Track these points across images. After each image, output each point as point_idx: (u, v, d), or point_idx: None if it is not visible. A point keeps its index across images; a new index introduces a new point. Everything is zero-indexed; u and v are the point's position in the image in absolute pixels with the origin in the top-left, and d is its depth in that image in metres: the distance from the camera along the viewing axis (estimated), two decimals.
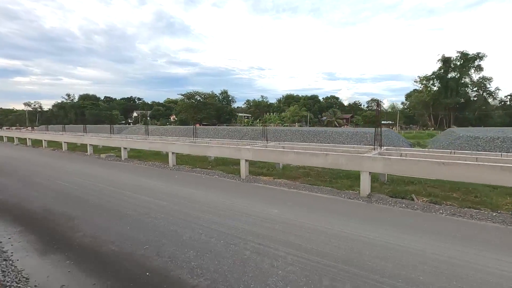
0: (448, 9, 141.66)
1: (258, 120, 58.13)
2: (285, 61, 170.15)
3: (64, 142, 18.74)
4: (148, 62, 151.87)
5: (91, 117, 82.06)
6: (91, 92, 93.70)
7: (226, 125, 57.18)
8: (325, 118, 55.30)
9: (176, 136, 27.46)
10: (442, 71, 45.46)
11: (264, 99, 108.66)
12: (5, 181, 9.22)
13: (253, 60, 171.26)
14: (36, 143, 22.53)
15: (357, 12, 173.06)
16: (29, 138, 22.73)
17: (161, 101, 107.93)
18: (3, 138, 28.64)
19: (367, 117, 47.14)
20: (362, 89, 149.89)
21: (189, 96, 59.08)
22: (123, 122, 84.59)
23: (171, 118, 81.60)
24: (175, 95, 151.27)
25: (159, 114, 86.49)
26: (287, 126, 48.69)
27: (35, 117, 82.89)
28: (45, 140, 20.98)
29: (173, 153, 11.63)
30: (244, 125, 54.53)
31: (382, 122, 52.24)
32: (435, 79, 46.62)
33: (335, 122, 53.42)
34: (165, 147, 12.35)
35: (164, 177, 9.38)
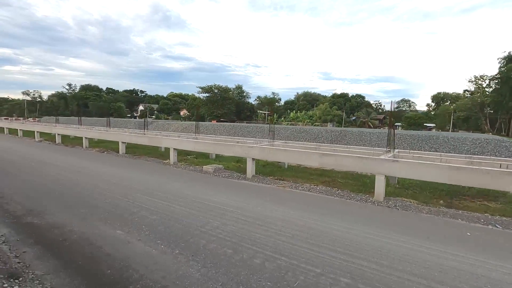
0: (443, 13, 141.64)
1: (282, 118, 53.26)
2: (281, 59, 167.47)
3: (123, 142, 13.73)
4: (142, 55, 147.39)
5: (95, 109, 76.51)
6: (83, 83, 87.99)
7: (247, 122, 52.14)
8: (354, 118, 50.75)
9: (224, 135, 22.51)
10: (505, 70, 40.34)
11: (275, 96, 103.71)
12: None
13: (249, 57, 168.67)
14: (68, 140, 17.50)
15: (353, 12, 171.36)
16: (86, 137, 16.65)
17: (159, 94, 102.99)
18: (4, 129, 23.43)
19: (411, 118, 42.49)
20: (357, 89, 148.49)
21: (208, 89, 53.89)
22: (129, 115, 79.16)
23: (181, 113, 76.44)
24: (170, 90, 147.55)
25: (167, 108, 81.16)
26: (318, 125, 43.80)
27: (34, 107, 77.02)
28: (91, 138, 15.96)
29: (253, 159, 8.02)
30: (266, 123, 49.67)
31: (425, 124, 47.90)
32: (499, 80, 41.32)
33: (369, 123, 48.77)
34: (247, 152, 7.61)
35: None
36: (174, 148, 10.06)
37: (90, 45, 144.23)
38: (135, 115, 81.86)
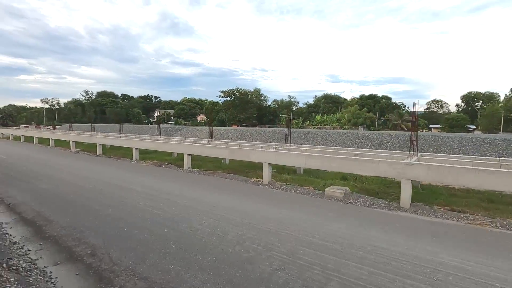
0: (452, 13, 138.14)
1: (307, 121, 50.81)
2: (288, 63, 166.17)
3: (188, 154, 11.80)
4: (151, 62, 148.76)
5: (112, 115, 75.79)
6: (98, 90, 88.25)
7: (269, 127, 49.89)
8: (382, 120, 47.88)
9: (265, 141, 20.41)
10: None
11: (292, 99, 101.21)
12: None
13: (256, 61, 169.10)
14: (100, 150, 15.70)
15: (360, 14, 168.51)
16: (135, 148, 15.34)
17: (172, 100, 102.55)
18: (33, 139, 21.89)
19: (452, 119, 39.24)
20: (365, 91, 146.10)
21: (229, 93, 52.02)
22: (145, 121, 78.24)
23: (199, 118, 75.04)
24: (178, 95, 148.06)
25: (184, 113, 79.86)
26: (347, 129, 41.16)
27: (52, 114, 76.90)
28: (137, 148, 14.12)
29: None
30: (292, 127, 47.59)
31: (467, 126, 44.59)
32: None
33: (402, 126, 45.77)
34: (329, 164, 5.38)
35: None
36: (269, 163, 7.83)
37: (101, 53, 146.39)
38: (152, 120, 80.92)
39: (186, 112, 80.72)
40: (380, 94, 54.11)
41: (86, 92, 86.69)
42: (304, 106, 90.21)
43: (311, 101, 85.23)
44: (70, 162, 11.74)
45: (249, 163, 10.00)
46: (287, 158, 7.71)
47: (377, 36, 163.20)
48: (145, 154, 13.47)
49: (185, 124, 60.61)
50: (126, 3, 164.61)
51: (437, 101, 60.48)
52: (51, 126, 52.72)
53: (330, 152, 8.37)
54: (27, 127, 47.36)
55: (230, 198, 6.35)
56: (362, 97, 53.15)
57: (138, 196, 6.35)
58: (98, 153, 14.20)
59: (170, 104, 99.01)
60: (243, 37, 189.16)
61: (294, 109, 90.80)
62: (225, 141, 13.24)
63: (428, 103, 61.66)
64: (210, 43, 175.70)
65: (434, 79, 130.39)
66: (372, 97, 51.84)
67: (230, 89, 52.71)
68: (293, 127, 50.03)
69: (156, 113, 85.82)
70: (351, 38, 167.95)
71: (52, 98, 79.10)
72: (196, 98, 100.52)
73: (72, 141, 16.30)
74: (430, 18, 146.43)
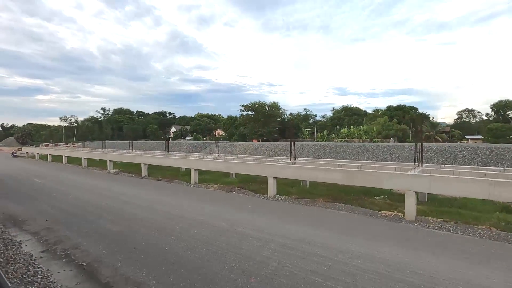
0: (459, 23, 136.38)
1: (333, 134, 48.52)
2: (296, 77, 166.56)
3: (275, 177, 9.93)
4: (161, 80, 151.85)
5: (129, 132, 75.52)
6: (112, 108, 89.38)
7: (291, 141, 47.87)
8: (412, 131, 45.23)
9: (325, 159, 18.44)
10: None
11: (308, 112, 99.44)
12: None
13: (263, 76, 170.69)
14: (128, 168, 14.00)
15: (366, 28, 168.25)
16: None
17: (187, 116, 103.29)
18: (63, 158, 20.52)
19: (497, 129, 36.18)
20: (374, 104, 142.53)
21: (250, 108, 50.59)
22: (162, 137, 77.58)
23: (215, 133, 73.88)
24: (187, 111, 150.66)
25: (201, 129, 79.01)
26: (378, 141, 38.68)
27: (70, 132, 77.23)
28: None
29: None
30: (316, 141, 45.61)
31: (510, 136, 41.43)
32: None
33: (436, 137, 42.91)
34: None
35: None
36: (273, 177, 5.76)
37: (113, 73, 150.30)
38: (168, 136, 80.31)
39: (202, 127, 79.85)
40: (385, 107, 52.04)
41: (103, 109, 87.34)
42: (323, 119, 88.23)
43: (320, 114, 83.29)
44: (123, 189, 9.92)
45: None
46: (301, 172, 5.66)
47: (384, 49, 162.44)
48: (201, 174, 11.56)
49: (203, 140, 59.32)
50: (138, 25, 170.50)
51: (469, 111, 57.23)
52: (71, 144, 52.16)
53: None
54: (47, 145, 46.78)
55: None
56: (389, 108, 50.69)
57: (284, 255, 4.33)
58: (143, 175, 12.41)
59: (185, 120, 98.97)
60: (250, 53, 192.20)
61: (311, 121, 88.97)
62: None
63: (459, 113, 58.46)
64: (218, 60, 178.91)
65: (444, 90, 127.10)
66: (401, 107, 49.32)
67: (251, 103, 51.32)
68: (318, 141, 47.82)
69: (173, 129, 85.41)
70: (358, 52, 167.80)
71: (71, 116, 79.79)
72: (210, 113, 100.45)
73: (110, 160, 14.65)
74: (436, 29, 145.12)
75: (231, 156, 12.14)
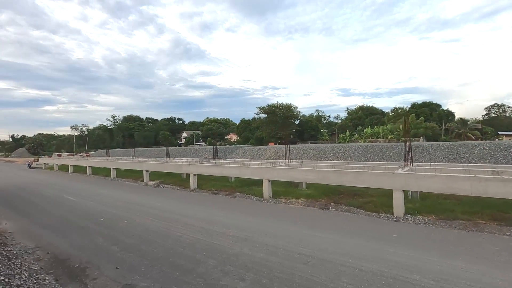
0: (463, 20, 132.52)
1: (355, 135, 46.15)
2: (299, 80, 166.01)
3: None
4: (166, 87, 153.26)
5: (140, 139, 74.18)
6: (118, 116, 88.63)
7: (311, 143, 45.77)
8: (441, 128, 42.67)
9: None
10: None
11: (320, 113, 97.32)
12: None
13: (266, 80, 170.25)
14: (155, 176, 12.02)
15: (368, 28, 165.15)
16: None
17: (196, 121, 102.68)
18: (87, 169, 18.74)
19: None
20: (379, 103, 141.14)
21: (267, 110, 48.59)
22: (176, 144, 76.11)
23: (229, 138, 72.15)
24: (192, 117, 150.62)
25: (212, 133, 77.38)
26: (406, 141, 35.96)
27: (82, 141, 76.20)
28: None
29: None
30: (337, 142, 43.37)
31: None
32: None
33: (468, 134, 40.25)
34: None
35: None
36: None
37: (118, 82, 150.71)
38: (179, 142, 78.81)
39: (214, 132, 78.23)
40: (392, 106, 49.66)
41: (114, 117, 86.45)
42: (336, 120, 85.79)
43: (325, 115, 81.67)
44: (186, 209, 7.90)
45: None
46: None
47: (387, 48, 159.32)
48: (239, 182, 9.52)
49: (215, 144, 57.35)
50: (141, 34, 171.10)
51: (498, 106, 54.23)
52: (84, 153, 50.79)
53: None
54: (60, 155, 45.45)
55: None
56: (414, 105, 48.15)
57: None
58: (192, 188, 10.38)
59: (195, 125, 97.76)
60: (253, 58, 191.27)
61: (324, 122, 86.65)
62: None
63: (487, 108, 55.35)
64: (222, 65, 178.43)
65: (450, 87, 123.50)
66: (427, 104, 46.75)
67: (268, 105, 49.33)
68: (340, 142, 45.55)
69: (184, 135, 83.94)
70: (361, 52, 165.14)
71: (82, 125, 78.87)
72: (219, 118, 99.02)
73: (146, 171, 12.70)
74: (440, 27, 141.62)
75: (313, 163, 10.05)
